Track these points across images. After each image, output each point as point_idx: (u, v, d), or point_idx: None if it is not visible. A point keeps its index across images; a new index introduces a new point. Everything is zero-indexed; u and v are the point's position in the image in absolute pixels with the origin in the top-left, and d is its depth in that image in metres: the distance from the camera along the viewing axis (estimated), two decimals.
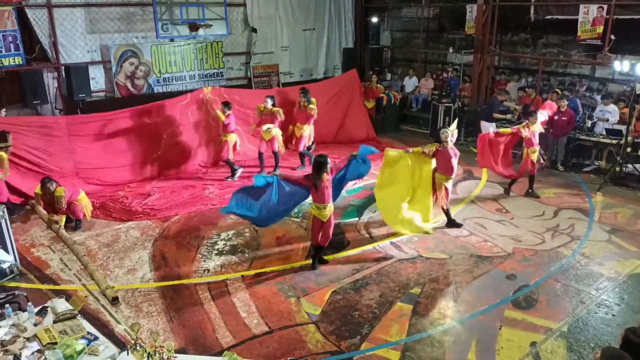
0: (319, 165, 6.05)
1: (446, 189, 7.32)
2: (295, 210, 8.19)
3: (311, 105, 9.76)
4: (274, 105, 9.46)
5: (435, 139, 7.35)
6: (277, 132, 9.59)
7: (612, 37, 10.22)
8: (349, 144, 11.89)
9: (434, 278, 6.20)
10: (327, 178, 6.10)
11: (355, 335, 5.14)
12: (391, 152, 7.31)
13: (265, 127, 9.44)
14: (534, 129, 8.39)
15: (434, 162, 7.28)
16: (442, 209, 7.46)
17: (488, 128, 11.04)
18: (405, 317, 5.43)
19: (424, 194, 7.32)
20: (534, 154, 8.48)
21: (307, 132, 10.01)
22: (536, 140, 8.46)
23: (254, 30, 13.26)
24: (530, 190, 8.75)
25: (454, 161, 7.17)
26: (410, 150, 7.37)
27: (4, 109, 9.09)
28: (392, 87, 14.43)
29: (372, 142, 12.15)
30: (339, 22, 15.13)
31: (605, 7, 10.21)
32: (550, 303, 5.66)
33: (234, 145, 9.54)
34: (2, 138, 7.57)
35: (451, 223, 7.55)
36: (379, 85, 12.91)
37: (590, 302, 5.67)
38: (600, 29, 10.41)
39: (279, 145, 9.70)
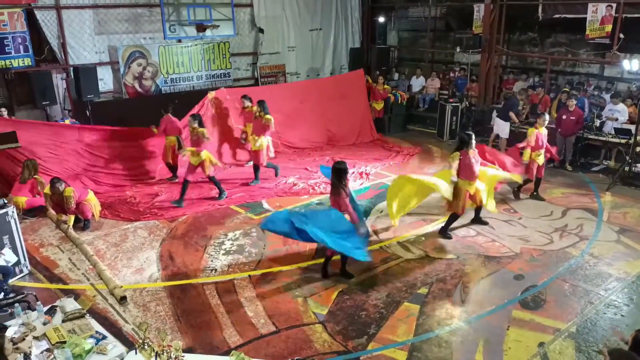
0: (341, 172, 5.88)
1: (471, 195, 7.12)
2: (302, 210, 8.23)
3: (267, 116, 8.97)
4: (200, 125, 8.34)
5: (460, 142, 7.10)
6: (205, 154, 8.30)
7: (621, 35, 10.14)
8: (357, 144, 11.96)
9: (441, 278, 6.18)
10: (344, 195, 5.92)
11: (362, 335, 5.13)
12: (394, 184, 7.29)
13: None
14: (543, 132, 8.23)
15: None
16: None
17: (504, 128, 10.94)
18: (412, 317, 5.42)
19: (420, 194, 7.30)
20: (539, 157, 8.29)
21: (266, 144, 9.14)
22: (542, 143, 8.25)
23: (261, 30, 13.29)
24: (535, 193, 8.65)
25: (476, 167, 6.97)
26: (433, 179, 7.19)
27: (5, 109, 9.15)
28: (399, 86, 14.42)
29: (378, 142, 12.19)
30: (345, 22, 15.13)
31: (614, 5, 10.13)
32: (558, 303, 5.63)
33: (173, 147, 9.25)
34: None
35: (478, 220, 7.57)
36: (386, 86, 12.86)
37: (599, 302, 5.63)
38: (609, 27, 10.33)
39: (206, 169, 8.37)
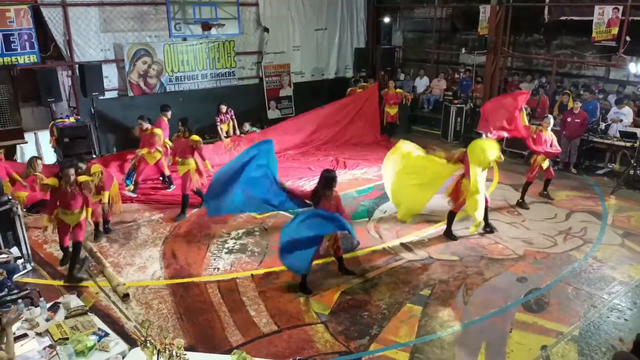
0: (328, 180, 5.79)
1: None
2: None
3: (194, 137, 7.85)
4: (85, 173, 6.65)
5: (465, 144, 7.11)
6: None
7: (628, 38, 10.10)
8: (361, 145, 11.94)
9: (444, 280, 6.17)
10: (335, 196, 5.86)
11: (364, 335, 5.13)
12: (404, 146, 7.19)
13: None
14: (548, 136, 8.05)
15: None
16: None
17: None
18: (414, 318, 5.42)
19: (428, 188, 7.00)
20: (544, 161, 8.16)
21: (194, 167, 7.91)
22: (547, 147, 8.06)
23: (266, 29, 13.29)
24: (545, 192, 8.63)
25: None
26: (434, 150, 7.22)
27: None
28: (404, 87, 14.37)
29: (382, 143, 12.16)
30: (350, 22, 15.11)
31: (621, 8, 10.08)
32: (561, 306, 5.61)
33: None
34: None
35: (488, 226, 7.42)
36: (397, 90, 12.57)
37: (602, 306, 5.61)
38: (615, 30, 10.29)
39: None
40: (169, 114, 9.39)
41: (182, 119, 8.10)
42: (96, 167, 6.78)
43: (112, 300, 5.73)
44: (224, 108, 10.72)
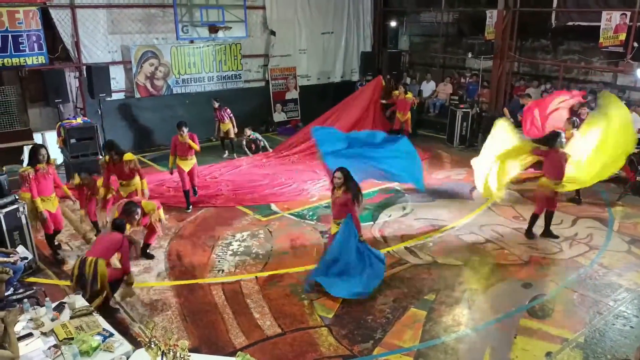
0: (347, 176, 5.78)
1: (556, 194, 7.11)
2: (310, 212, 8.24)
3: (127, 156, 7.12)
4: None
5: (545, 142, 7.03)
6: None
7: (635, 44, 10.06)
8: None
9: (449, 284, 6.15)
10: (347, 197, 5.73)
11: (368, 339, 5.12)
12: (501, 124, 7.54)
13: None
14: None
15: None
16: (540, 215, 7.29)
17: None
18: (418, 323, 5.40)
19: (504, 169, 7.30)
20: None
21: (139, 186, 7.24)
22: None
23: (273, 32, 13.34)
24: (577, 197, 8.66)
25: (565, 165, 7.00)
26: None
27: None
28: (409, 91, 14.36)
29: None
30: (357, 26, 15.15)
31: (629, 14, 10.06)
32: (566, 313, 5.58)
33: None
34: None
35: (549, 233, 7.37)
36: (407, 94, 12.04)
37: (608, 313, 5.57)
38: (622, 36, 10.26)
39: None
40: (184, 131, 8.09)
41: (106, 144, 7.31)
42: (129, 155, 7.10)
43: (116, 300, 5.74)
44: (216, 103, 10.70)
